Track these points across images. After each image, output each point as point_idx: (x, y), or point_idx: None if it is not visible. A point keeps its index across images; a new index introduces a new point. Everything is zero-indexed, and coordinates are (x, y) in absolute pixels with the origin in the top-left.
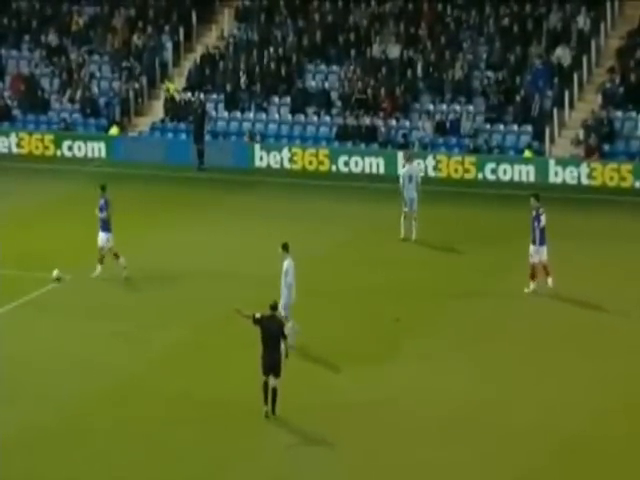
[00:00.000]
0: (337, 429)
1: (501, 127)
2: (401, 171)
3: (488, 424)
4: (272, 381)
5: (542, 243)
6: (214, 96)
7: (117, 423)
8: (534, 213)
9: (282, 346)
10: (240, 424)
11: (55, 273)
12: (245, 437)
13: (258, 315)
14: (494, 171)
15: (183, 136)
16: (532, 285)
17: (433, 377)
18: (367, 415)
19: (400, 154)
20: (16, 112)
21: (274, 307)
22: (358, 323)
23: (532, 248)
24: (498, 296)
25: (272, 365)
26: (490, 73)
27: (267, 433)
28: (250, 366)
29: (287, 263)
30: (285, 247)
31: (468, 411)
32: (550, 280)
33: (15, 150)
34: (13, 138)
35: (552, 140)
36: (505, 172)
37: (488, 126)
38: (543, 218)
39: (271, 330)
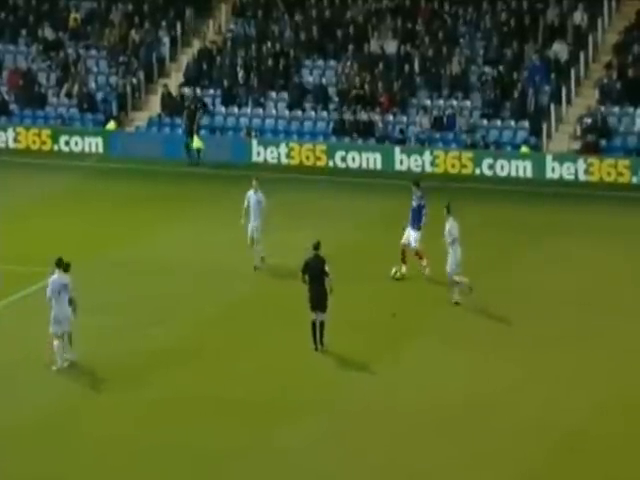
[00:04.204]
0: (336, 427)
1: (498, 123)
2: (250, 198)
3: (486, 422)
4: (320, 316)
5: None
6: (211, 91)
7: (113, 420)
8: (419, 200)
9: (326, 283)
10: (238, 421)
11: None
12: (243, 435)
13: (306, 259)
14: (491, 167)
15: (180, 131)
16: (404, 268)
17: (430, 375)
18: (366, 414)
19: (396, 151)
20: (13, 107)
21: (316, 247)
22: (354, 317)
23: (414, 233)
24: (499, 292)
25: (318, 299)
26: (487, 68)
27: (264, 431)
28: (249, 363)
29: (54, 278)
30: (59, 264)
31: (465, 409)
32: (404, 268)
33: (12, 145)
34: (10, 133)
35: (549, 136)
36: (502, 168)
37: (485, 122)
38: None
39: (315, 268)
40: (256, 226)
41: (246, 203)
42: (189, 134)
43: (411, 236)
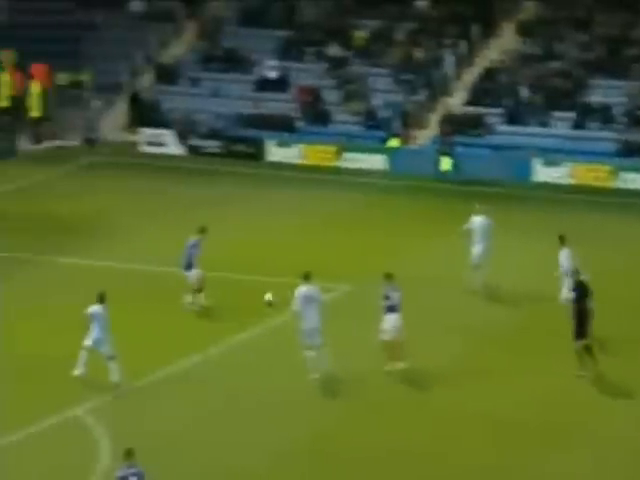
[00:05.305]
0: (606, 462)
1: None
2: (477, 223)
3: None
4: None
5: None
6: (494, 110)
7: (389, 436)
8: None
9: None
10: (510, 440)
11: (267, 297)
12: (516, 454)
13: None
14: None
15: (463, 150)
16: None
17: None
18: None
19: None
20: (300, 124)
21: (576, 273)
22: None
23: None
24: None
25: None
26: None
27: (537, 453)
28: (521, 385)
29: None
30: (306, 277)
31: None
32: None
33: (298, 161)
34: (296, 149)
35: None
36: None
37: None
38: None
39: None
40: (481, 250)
41: (470, 226)
42: (440, 154)
43: None
